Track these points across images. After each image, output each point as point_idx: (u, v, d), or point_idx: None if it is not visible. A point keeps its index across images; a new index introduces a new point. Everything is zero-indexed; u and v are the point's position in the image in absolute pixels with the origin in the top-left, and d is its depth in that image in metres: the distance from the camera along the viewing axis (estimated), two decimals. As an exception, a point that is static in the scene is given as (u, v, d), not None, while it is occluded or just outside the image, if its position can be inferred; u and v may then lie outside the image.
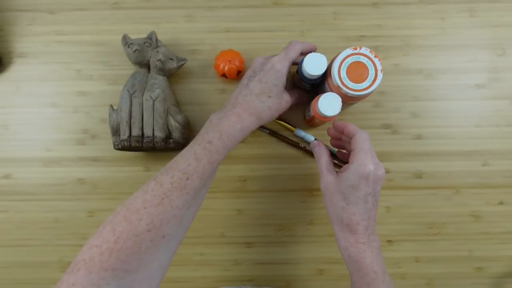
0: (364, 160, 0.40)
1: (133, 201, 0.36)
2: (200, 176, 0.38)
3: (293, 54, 0.46)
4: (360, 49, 0.45)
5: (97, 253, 0.33)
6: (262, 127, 0.57)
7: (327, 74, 0.48)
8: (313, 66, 0.46)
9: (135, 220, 0.35)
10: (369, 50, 0.45)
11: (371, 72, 0.45)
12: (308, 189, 0.57)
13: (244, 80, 0.46)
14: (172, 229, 0.36)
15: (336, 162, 0.56)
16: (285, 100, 0.46)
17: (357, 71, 0.45)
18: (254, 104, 0.43)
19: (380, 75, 0.45)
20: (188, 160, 0.38)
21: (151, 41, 0.55)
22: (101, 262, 0.33)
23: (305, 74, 0.47)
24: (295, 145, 0.57)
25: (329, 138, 0.50)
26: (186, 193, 0.37)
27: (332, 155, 0.56)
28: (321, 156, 0.44)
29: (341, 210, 0.41)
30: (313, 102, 0.48)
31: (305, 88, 0.53)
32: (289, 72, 0.50)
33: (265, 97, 0.43)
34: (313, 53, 0.46)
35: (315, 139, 0.56)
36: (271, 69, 0.44)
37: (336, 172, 0.43)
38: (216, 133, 0.40)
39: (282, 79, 0.45)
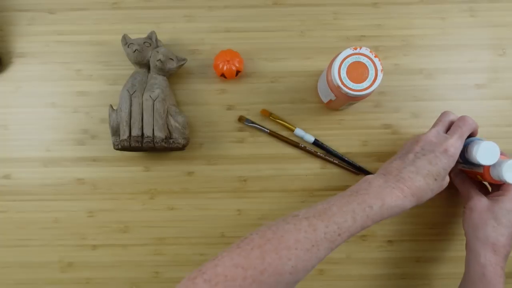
0: None
1: (285, 235, 0.35)
2: (349, 235, 0.37)
3: (466, 136, 0.45)
4: (360, 49, 0.45)
5: (240, 276, 0.32)
6: (262, 127, 0.57)
7: (327, 74, 0.48)
8: (487, 156, 0.44)
9: (285, 258, 0.34)
10: (369, 50, 0.45)
11: (371, 72, 0.45)
12: (308, 189, 0.57)
13: (410, 154, 0.43)
14: (304, 276, 0.35)
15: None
16: (446, 182, 0.44)
17: (357, 71, 0.45)
18: (420, 184, 0.40)
19: (380, 75, 0.45)
20: (345, 216, 0.37)
21: (151, 41, 0.55)
22: (240, 287, 0.32)
23: (473, 160, 0.45)
24: (295, 145, 0.57)
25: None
26: (331, 248, 0.36)
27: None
28: (465, 181, 0.49)
29: (491, 228, 0.44)
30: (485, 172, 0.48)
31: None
32: None
33: (431, 179, 0.41)
34: (486, 143, 0.44)
35: (316, 139, 0.56)
36: (444, 153, 0.42)
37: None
38: (378, 201, 0.38)
39: (452, 164, 0.43)
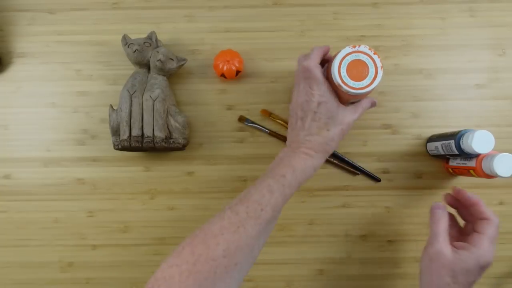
0: (489, 251, 0.40)
1: (211, 226, 0.38)
2: (272, 208, 0.39)
3: (319, 60, 0.45)
4: (359, 47, 0.45)
5: (176, 272, 0.35)
6: (262, 127, 0.57)
7: (327, 72, 0.48)
8: (482, 144, 0.45)
9: (213, 245, 0.36)
10: (368, 47, 0.45)
11: (371, 69, 0.45)
12: (308, 189, 0.57)
13: (298, 122, 0.45)
14: (244, 257, 0.38)
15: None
16: (347, 121, 0.44)
17: (357, 69, 0.45)
18: (319, 141, 0.43)
19: (380, 72, 0.45)
20: (262, 192, 0.39)
21: (151, 41, 0.55)
22: (180, 282, 0.34)
23: (469, 150, 0.46)
24: (295, 145, 0.57)
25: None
26: (259, 223, 0.38)
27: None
28: (441, 221, 0.44)
29: (445, 285, 0.41)
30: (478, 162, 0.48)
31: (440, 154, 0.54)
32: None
33: (325, 131, 0.43)
34: (480, 131, 0.45)
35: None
36: (319, 106, 0.43)
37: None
38: (289, 168, 0.41)
39: (333, 109, 0.43)
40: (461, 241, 0.43)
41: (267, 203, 0.39)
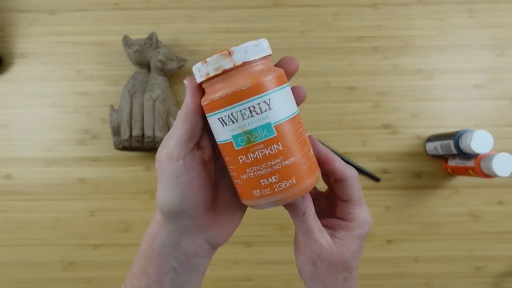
0: (366, 216, 0.31)
1: None
2: None
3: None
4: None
5: None
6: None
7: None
8: (480, 144, 0.46)
9: None
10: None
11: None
12: (308, 189, 0.57)
13: None
14: None
15: None
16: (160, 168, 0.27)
17: None
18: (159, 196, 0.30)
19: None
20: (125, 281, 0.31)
21: (152, 41, 0.55)
22: None
23: (467, 150, 0.47)
24: (295, 145, 0.57)
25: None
26: None
27: None
28: (309, 214, 0.29)
29: (342, 281, 0.31)
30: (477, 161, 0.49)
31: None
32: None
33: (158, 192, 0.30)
34: (479, 131, 0.46)
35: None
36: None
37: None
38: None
39: (162, 172, 0.27)
40: (323, 206, 0.33)
41: None
